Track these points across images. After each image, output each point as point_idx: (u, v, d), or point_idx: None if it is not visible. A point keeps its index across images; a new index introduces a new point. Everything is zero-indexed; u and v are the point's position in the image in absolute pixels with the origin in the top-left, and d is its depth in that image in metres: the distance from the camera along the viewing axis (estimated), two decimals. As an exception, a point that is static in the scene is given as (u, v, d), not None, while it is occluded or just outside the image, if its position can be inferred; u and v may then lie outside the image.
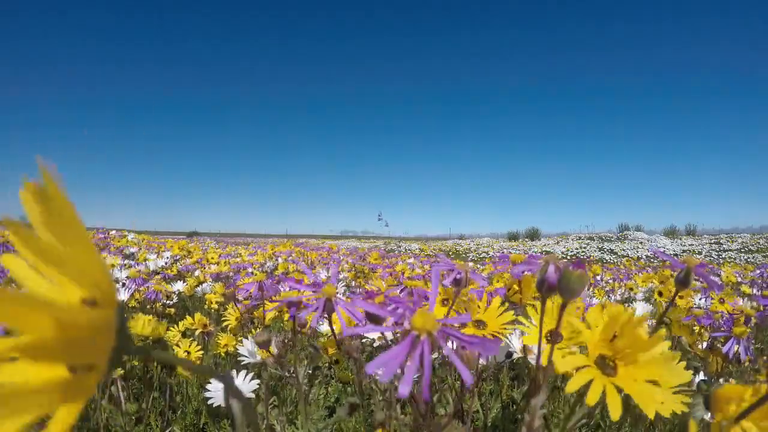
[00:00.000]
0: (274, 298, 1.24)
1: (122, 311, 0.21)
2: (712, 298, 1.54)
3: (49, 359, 0.19)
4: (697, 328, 1.12)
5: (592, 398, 0.32)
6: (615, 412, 0.31)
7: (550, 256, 0.38)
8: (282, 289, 1.69)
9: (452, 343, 0.32)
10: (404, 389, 0.25)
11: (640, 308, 1.85)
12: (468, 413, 0.65)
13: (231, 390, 0.25)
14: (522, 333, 0.68)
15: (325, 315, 0.51)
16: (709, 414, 0.36)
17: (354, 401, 0.70)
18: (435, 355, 0.65)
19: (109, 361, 0.20)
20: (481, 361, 0.65)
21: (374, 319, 0.42)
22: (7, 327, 0.18)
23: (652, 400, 0.34)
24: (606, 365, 0.36)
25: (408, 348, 0.27)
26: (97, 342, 0.20)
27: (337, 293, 0.52)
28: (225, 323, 1.35)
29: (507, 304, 0.59)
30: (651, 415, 0.34)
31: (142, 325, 0.96)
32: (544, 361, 0.39)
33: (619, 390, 0.34)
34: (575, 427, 0.43)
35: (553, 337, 0.38)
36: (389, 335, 1.06)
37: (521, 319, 0.54)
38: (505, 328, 0.56)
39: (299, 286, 0.53)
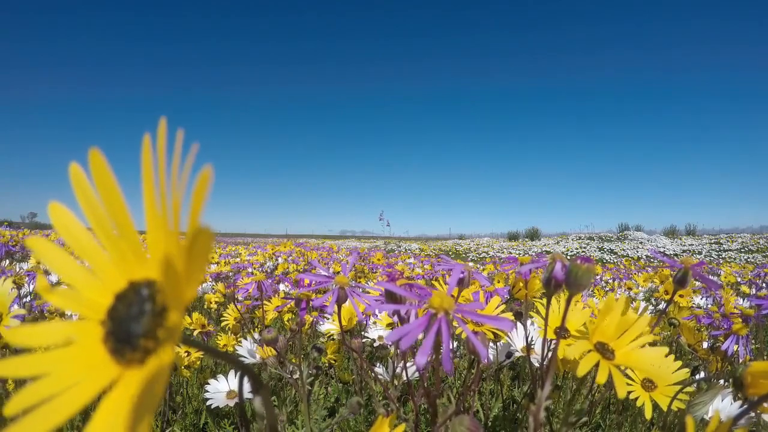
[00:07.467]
0: (280, 295, 1.24)
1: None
2: (713, 300, 1.54)
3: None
4: (696, 326, 1.12)
5: (601, 377, 0.34)
6: (621, 390, 0.33)
7: (557, 254, 0.39)
8: (281, 290, 1.68)
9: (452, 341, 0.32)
10: (421, 359, 0.26)
11: (640, 308, 1.85)
12: (469, 412, 0.65)
13: (255, 385, 0.24)
14: (524, 332, 0.69)
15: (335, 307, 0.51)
16: (739, 394, 0.38)
17: (357, 401, 0.70)
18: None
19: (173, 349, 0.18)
20: (484, 361, 0.66)
21: (394, 299, 0.42)
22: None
23: (650, 366, 0.37)
24: (605, 350, 0.38)
25: (426, 323, 0.28)
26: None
27: (351, 283, 0.53)
28: (224, 323, 1.35)
29: (504, 305, 0.59)
30: (652, 376, 0.37)
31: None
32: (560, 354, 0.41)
33: (622, 370, 0.36)
34: (576, 425, 0.44)
35: (561, 331, 0.39)
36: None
37: (531, 313, 0.55)
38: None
39: (311, 276, 0.54)
